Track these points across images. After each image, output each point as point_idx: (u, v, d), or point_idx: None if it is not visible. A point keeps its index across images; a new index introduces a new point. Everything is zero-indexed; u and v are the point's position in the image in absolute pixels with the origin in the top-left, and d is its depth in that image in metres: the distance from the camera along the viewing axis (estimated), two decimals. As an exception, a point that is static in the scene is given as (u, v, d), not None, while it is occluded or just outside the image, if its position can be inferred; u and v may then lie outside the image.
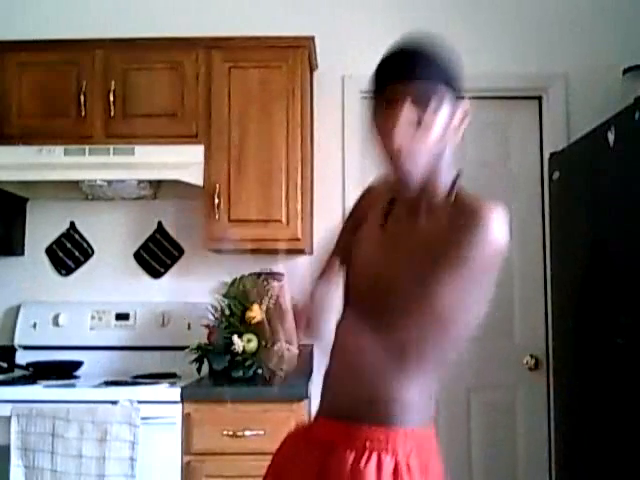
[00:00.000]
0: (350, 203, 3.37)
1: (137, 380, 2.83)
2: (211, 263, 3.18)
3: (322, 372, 1.54)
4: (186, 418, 2.55)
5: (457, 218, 1.34)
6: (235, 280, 3.00)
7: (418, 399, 1.41)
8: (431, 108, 1.27)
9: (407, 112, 1.26)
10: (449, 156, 1.37)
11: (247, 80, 2.97)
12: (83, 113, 2.95)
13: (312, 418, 1.55)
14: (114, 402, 2.51)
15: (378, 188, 1.56)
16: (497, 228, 1.32)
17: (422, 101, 1.27)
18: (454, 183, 1.41)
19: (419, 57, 1.29)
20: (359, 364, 1.39)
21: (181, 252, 3.26)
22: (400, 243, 1.39)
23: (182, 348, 2.92)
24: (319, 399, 1.53)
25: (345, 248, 1.58)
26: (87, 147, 2.84)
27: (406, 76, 1.27)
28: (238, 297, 2.89)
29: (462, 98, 1.33)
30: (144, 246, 3.26)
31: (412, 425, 1.43)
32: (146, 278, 3.25)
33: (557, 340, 3.00)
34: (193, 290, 3.18)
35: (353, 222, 1.59)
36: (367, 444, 1.36)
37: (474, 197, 1.43)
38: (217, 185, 2.92)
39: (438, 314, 1.37)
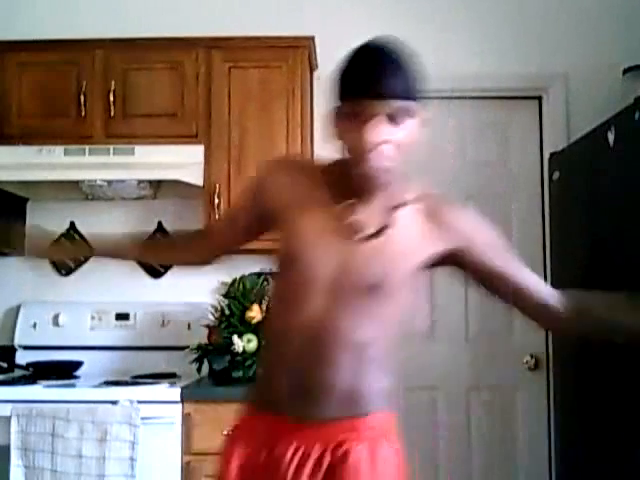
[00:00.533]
0: (350, 203, 3.36)
1: (137, 380, 2.83)
2: (211, 263, 3.18)
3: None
4: (186, 418, 2.55)
5: (445, 216, 1.50)
6: (235, 280, 3.00)
7: (390, 385, 1.54)
8: (404, 123, 1.37)
9: (382, 126, 1.35)
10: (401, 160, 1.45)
11: (247, 80, 2.97)
12: (83, 113, 2.95)
13: (246, 416, 1.53)
14: (114, 402, 2.51)
15: (299, 169, 1.58)
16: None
17: (396, 116, 1.35)
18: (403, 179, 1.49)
19: (397, 74, 1.35)
20: (335, 359, 1.42)
21: (181, 252, 3.25)
22: (374, 240, 1.43)
23: (182, 348, 2.92)
24: (258, 391, 1.54)
25: (254, 220, 1.59)
26: (87, 147, 2.84)
27: (386, 94, 1.33)
28: (238, 297, 2.89)
29: (421, 107, 1.42)
30: (144, 246, 3.26)
31: (387, 409, 1.59)
32: (146, 278, 3.25)
33: (557, 340, 3.00)
34: (193, 290, 3.18)
35: (267, 195, 1.54)
36: (368, 435, 1.48)
37: (439, 196, 1.60)
38: (217, 185, 2.92)
39: (410, 305, 1.49)
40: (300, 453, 1.41)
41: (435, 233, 1.48)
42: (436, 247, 1.48)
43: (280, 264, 1.51)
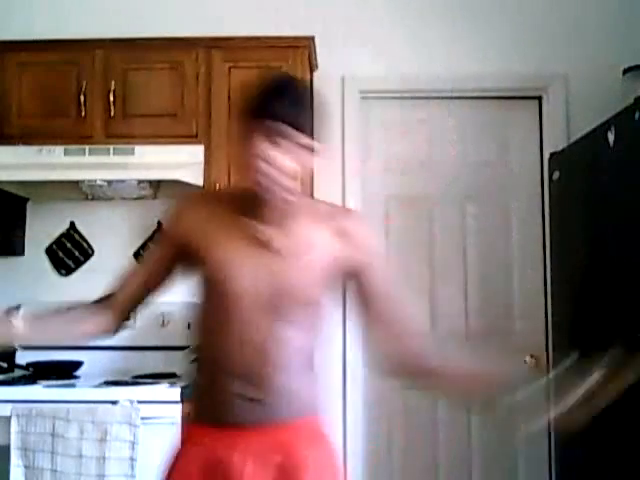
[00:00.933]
0: (350, 203, 3.39)
1: (137, 380, 2.82)
2: (211, 263, 3.18)
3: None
4: (186, 418, 2.54)
5: (342, 229, 1.60)
6: (235, 280, 2.99)
7: (319, 390, 1.63)
8: (293, 148, 1.50)
9: (288, 151, 1.49)
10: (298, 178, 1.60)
11: (247, 80, 2.96)
12: (83, 113, 2.95)
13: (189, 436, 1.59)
14: (114, 402, 2.51)
15: (206, 201, 1.67)
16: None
17: (284, 140, 1.48)
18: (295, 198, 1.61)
19: (290, 104, 1.49)
20: (278, 368, 1.52)
21: (181, 252, 3.25)
22: (285, 252, 1.55)
23: (182, 348, 2.91)
24: (202, 407, 1.58)
25: (169, 262, 1.66)
26: (87, 147, 2.84)
27: (277, 118, 1.47)
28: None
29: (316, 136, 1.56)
30: (144, 246, 3.26)
31: (320, 413, 1.63)
32: (146, 278, 3.25)
33: (557, 340, 3.00)
34: (193, 290, 3.17)
35: (178, 240, 1.62)
36: (310, 436, 1.56)
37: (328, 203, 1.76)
38: (217, 185, 2.91)
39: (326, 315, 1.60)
40: (252, 457, 1.49)
41: (343, 247, 1.58)
42: (344, 260, 1.58)
43: (208, 293, 1.59)
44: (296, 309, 1.53)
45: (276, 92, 1.51)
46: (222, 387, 1.52)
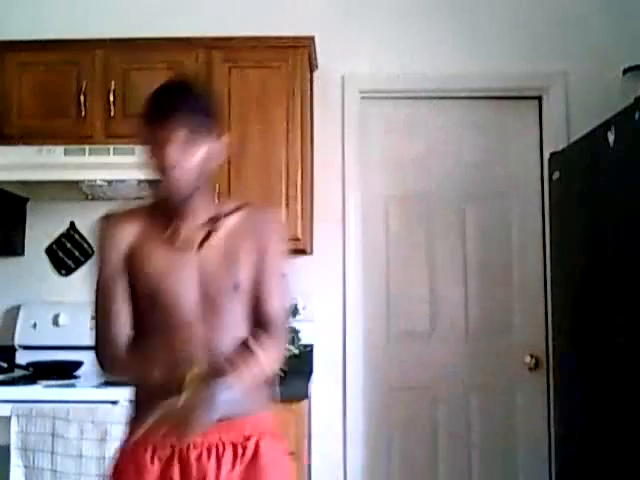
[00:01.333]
0: (350, 203, 3.40)
1: (137, 380, 2.82)
2: (211, 263, 3.18)
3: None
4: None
5: (253, 223, 1.66)
6: (235, 280, 3.00)
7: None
8: (197, 146, 1.56)
9: (177, 145, 1.53)
10: (210, 175, 1.66)
11: (247, 80, 2.97)
12: (83, 113, 2.95)
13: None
14: (114, 402, 2.51)
15: (127, 218, 1.68)
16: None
17: (189, 136, 1.54)
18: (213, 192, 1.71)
19: (187, 106, 1.55)
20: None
21: (181, 252, 3.25)
22: (210, 249, 1.61)
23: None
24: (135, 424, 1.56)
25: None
26: (87, 147, 2.84)
27: (182, 115, 1.53)
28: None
29: (222, 133, 1.64)
30: (144, 246, 3.26)
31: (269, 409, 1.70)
32: (146, 278, 3.25)
33: (557, 340, 3.00)
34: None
35: (118, 251, 1.65)
36: (264, 430, 1.62)
37: (254, 205, 1.74)
38: (217, 185, 2.91)
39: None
40: (214, 451, 1.54)
41: (253, 240, 1.65)
42: (253, 252, 1.64)
43: (145, 306, 1.61)
44: (230, 302, 1.60)
45: (172, 98, 1.57)
46: (170, 392, 1.51)
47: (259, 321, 1.65)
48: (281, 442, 1.67)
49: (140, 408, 1.61)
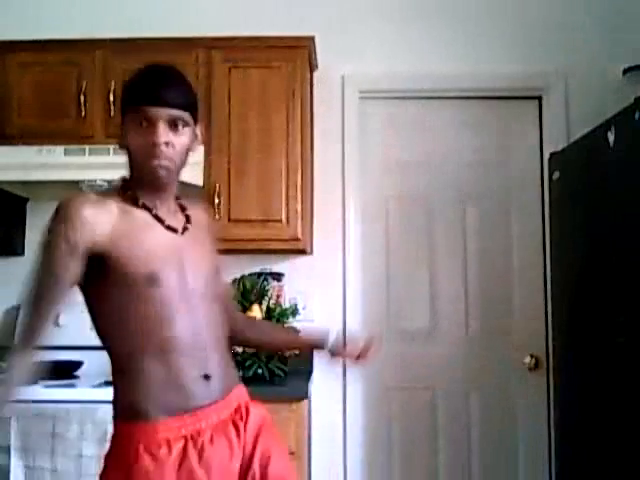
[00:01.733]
0: (350, 203, 3.39)
1: (137, 380, 2.82)
2: (211, 263, 3.18)
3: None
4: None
5: (206, 212, 1.82)
6: (235, 280, 3.00)
7: None
8: (182, 131, 1.59)
9: (164, 129, 1.55)
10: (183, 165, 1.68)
11: (247, 80, 2.97)
12: (83, 113, 2.95)
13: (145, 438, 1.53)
14: (114, 402, 2.51)
15: (101, 204, 1.56)
16: None
17: (176, 123, 1.58)
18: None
19: (177, 88, 1.61)
20: (218, 346, 1.65)
21: (181, 252, 3.25)
22: (191, 232, 1.68)
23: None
24: (153, 403, 1.55)
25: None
26: (87, 147, 2.84)
27: (167, 102, 1.56)
28: (238, 297, 2.89)
29: (196, 122, 1.67)
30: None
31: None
32: (146, 278, 3.25)
33: (557, 340, 3.00)
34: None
35: (87, 248, 1.52)
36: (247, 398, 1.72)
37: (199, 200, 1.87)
38: (217, 185, 2.92)
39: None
40: (220, 431, 1.58)
41: (211, 233, 1.78)
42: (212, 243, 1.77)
43: (135, 294, 1.55)
44: (212, 285, 1.67)
45: (165, 79, 1.60)
46: (179, 376, 1.56)
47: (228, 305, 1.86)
48: (257, 405, 1.73)
49: (152, 387, 1.54)
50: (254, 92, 2.96)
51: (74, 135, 2.93)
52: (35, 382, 1.87)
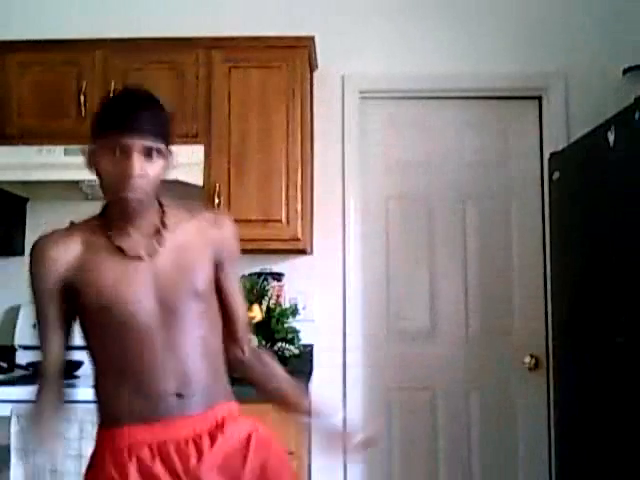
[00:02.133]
0: (350, 203, 3.39)
1: (137, 380, 2.82)
2: (211, 263, 3.18)
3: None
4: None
5: (211, 221, 1.70)
6: (235, 280, 2.99)
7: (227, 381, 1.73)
8: (156, 160, 1.55)
9: (139, 160, 1.52)
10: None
11: (247, 80, 2.97)
12: (83, 113, 2.96)
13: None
14: (114, 402, 2.50)
15: (66, 238, 1.67)
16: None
17: (151, 153, 1.54)
18: (162, 205, 1.66)
19: (152, 116, 1.56)
20: (191, 365, 1.60)
21: (181, 252, 3.25)
22: (164, 257, 1.61)
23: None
24: (120, 412, 1.63)
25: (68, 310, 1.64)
26: (87, 147, 2.84)
27: (143, 131, 1.52)
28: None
29: (171, 148, 1.61)
30: (144, 246, 3.26)
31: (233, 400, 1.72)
32: (146, 278, 3.25)
33: (557, 340, 3.00)
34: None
35: (61, 285, 1.61)
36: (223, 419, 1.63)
37: (190, 208, 1.74)
38: (217, 185, 2.92)
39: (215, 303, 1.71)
40: (191, 441, 1.57)
41: (207, 243, 1.66)
42: (209, 255, 1.66)
43: (102, 324, 1.59)
44: (189, 306, 1.60)
45: (141, 107, 1.56)
46: (149, 391, 1.58)
47: (230, 320, 1.73)
48: (247, 420, 1.68)
49: (123, 403, 1.63)
50: (254, 92, 2.96)
51: (74, 135, 2.92)
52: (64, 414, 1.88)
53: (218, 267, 1.68)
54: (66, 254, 1.61)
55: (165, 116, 1.60)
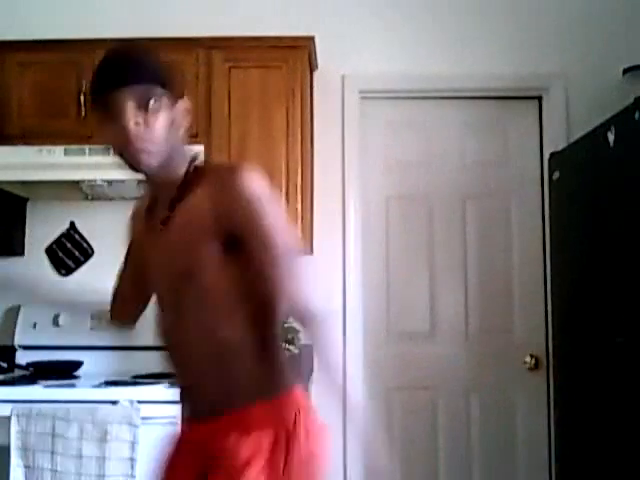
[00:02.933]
0: (350, 203, 3.40)
1: (137, 380, 2.82)
2: (211, 263, 3.18)
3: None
4: None
5: (218, 184, 1.42)
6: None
7: (265, 369, 1.44)
8: (151, 109, 1.43)
9: (130, 116, 1.41)
10: (180, 144, 1.50)
11: (247, 80, 2.97)
12: (83, 113, 2.95)
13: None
14: (114, 402, 2.51)
15: (138, 207, 1.70)
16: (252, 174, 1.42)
17: (142, 103, 1.42)
18: (192, 161, 1.50)
19: (132, 63, 1.45)
20: (193, 361, 1.47)
21: (181, 252, 3.26)
22: (174, 227, 1.46)
23: (182, 348, 2.92)
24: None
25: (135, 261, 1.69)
26: (87, 147, 2.84)
27: (123, 83, 1.42)
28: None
29: (181, 97, 1.50)
30: (144, 246, 3.26)
31: (273, 394, 1.43)
32: (146, 278, 3.25)
33: (557, 340, 3.00)
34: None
35: (131, 244, 1.72)
36: (239, 425, 1.39)
37: (221, 163, 1.63)
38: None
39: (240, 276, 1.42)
40: (192, 447, 1.47)
41: (212, 213, 1.40)
42: (213, 229, 1.40)
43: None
44: (184, 289, 1.43)
45: (109, 67, 1.48)
46: (175, 378, 1.58)
47: (290, 305, 1.41)
48: (257, 439, 1.39)
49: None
50: (254, 92, 2.96)
51: (74, 135, 2.93)
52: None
53: (237, 238, 1.39)
54: (132, 223, 1.71)
55: (145, 69, 1.48)
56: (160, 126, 1.43)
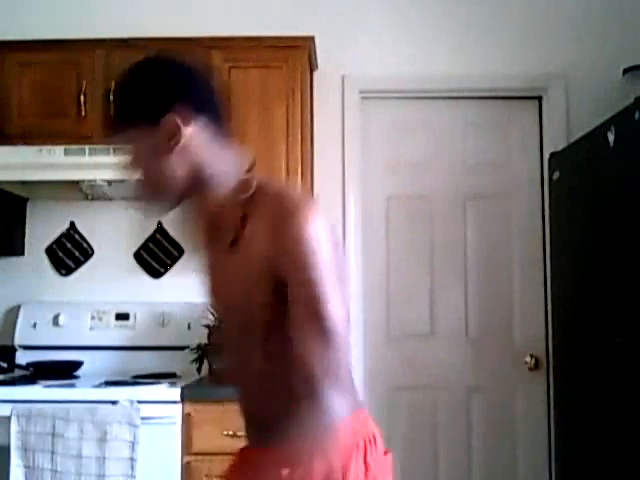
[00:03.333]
0: (350, 203, 3.40)
1: (137, 380, 2.83)
2: (211, 263, 3.18)
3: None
4: (186, 418, 2.55)
5: (276, 224, 1.28)
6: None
7: (304, 414, 1.23)
8: (129, 145, 1.34)
9: (122, 157, 1.35)
10: (201, 161, 1.39)
11: (247, 80, 2.97)
12: (83, 113, 2.95)
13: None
14: (114, 402, 2.51)
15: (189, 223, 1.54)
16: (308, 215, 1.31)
17: (124, 143, 1.34)
18: (247, 179, 1.38)
19: (114, 116, 1.36)
20: (243, 386, 1.45)
21: (181, 252, 3.26)
22: (226, 262, 1.36)
23: (182, 348, 2.92)
24: None
25: None
26: (87, 147, 2.84)
27: (108, 132, 1.39)
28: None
29: (166, 113, 1.33)
30: (144, 246, 3.26)
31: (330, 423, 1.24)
32: (146, 278, 3.25)
33: (557, 340, 3.00)
34: (193, 290, 3.16)
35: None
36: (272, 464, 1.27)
37: (281, 192, 1.36)
38: (217, 185, 2.91)
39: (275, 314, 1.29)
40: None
41: (264, 252, 1.28)
42: (272, 258, 1.28)
43: None
44: (234, 319, 1.38)
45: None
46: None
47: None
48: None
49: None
50: (254, 92, 2.96)
51: (74, 135, 2.93)
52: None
53: (283, 280, 1.27)
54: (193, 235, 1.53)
55: (120, 98, 1.38)
56: (143, 157, 1.32)
